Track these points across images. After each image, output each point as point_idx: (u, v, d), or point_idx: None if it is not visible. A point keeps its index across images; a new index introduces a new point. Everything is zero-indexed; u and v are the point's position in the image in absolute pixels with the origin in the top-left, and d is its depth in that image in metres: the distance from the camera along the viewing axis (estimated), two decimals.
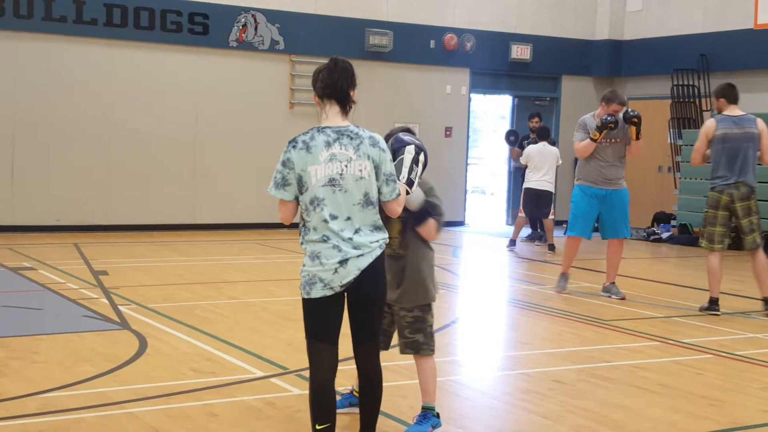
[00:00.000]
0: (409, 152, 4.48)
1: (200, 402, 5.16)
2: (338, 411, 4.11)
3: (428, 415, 4.73)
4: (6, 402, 5.06)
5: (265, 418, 4.91)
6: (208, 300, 8.42)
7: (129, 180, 13.96)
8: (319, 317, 3.92)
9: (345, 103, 3.97)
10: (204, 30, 14.32)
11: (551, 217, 13.31)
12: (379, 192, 3.98)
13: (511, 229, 14.27)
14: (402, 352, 4.76)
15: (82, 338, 6.69)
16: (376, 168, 3.94)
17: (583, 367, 6.30)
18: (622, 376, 6.12)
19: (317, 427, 3.90)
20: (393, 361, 5.60)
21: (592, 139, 8.78)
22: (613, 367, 6.32)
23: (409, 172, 4.27)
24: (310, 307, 3.92)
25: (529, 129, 14.65)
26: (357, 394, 4.84)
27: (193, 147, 14.42)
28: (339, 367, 4.04)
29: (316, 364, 3.95)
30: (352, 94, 3.99)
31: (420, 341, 4.66)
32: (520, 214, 13.47)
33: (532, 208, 13.29)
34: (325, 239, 3.87)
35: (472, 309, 9.02)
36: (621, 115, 8.85)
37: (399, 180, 4.18)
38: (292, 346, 6.58)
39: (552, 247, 13.18)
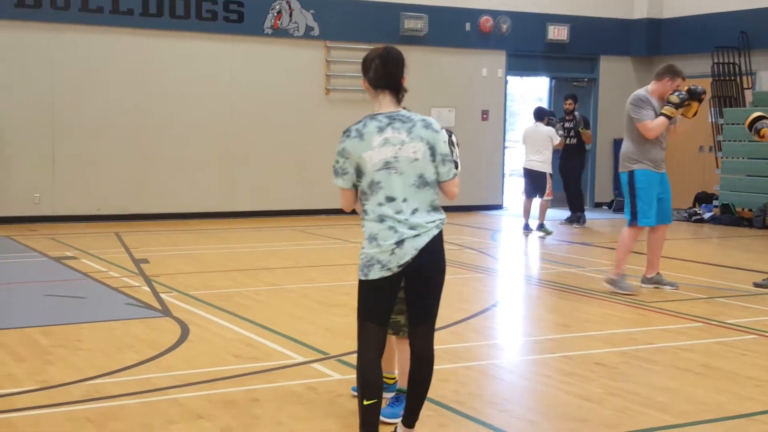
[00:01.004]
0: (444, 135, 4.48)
1: (242, 387, 5.20)
2: None
3: (401, 397, 4.66)
4: (52, 389, 5.14)
5: (306, 403, 4.94)
6: (248, 287, 8.47)
7: (166, 169, 14.08)
8: (374, 298, 4.00)
9: (398, 92, 4.09)
10: (239, 18, 14.37)
11: (547, 198, 13.15)
12: (437, 173, 4.04)
13: (551, 212, 14.17)
14: None
15: (125, 325, 6.77)
16: (431, 149, 4.02)
17: (626, 349, 6.25)
18: (666, 358, 6.06)
19: (364, 403, 3.99)
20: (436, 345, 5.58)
21: (668, 117, 8.14)
22: (656, 349, 6.26)
23: (451, 154, 4.30)
24: (367, 288, 4.00)
25: (564, 111, 14.50)
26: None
27: (230, 135, 14.49)
28: None
29: (364, 344, 4.04)
30: (403, 81, 4.10)
31: (401, 323, 4.60)
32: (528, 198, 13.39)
33: (529, 188, 13.29)
34: (381, 220, 3.96)
35: (511, 292, 8.98)
36: (686, 90, 8.29)
37: None
38: (332, 332, 6.60)
39: (541, 226, 12.99)
